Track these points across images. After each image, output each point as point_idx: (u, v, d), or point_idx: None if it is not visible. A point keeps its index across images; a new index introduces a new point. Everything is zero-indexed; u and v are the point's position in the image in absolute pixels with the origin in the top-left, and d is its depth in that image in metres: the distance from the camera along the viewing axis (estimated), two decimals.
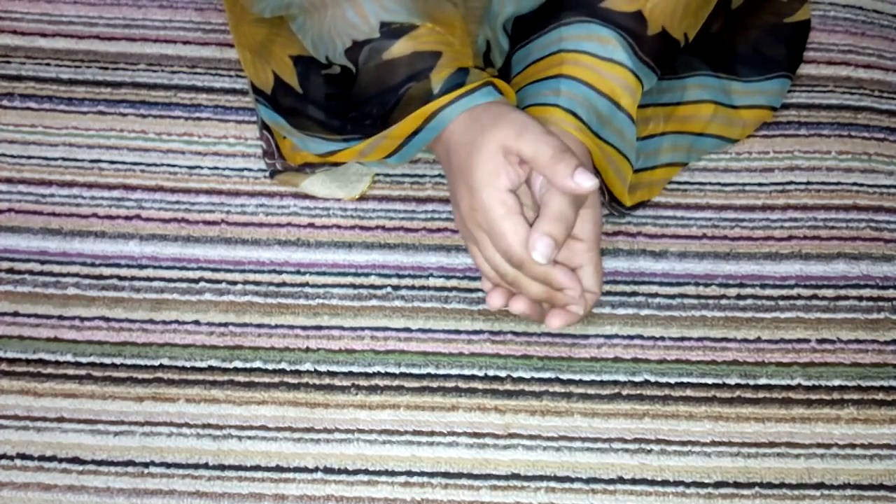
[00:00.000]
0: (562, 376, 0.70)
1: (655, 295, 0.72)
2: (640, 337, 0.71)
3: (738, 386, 0.69)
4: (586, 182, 0.59)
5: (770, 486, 0.67)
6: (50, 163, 0.76)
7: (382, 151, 0.65)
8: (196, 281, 0.72)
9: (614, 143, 0.66)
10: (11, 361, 0.70)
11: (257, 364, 0.70)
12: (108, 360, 0.70)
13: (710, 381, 0.70)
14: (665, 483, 0.67)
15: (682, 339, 0.71)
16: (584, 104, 0.64)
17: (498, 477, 0.67)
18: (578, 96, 0.64)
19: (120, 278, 0.72)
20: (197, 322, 0.71)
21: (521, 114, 0.61)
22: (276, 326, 0.71)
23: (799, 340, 0.71)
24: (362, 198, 0.75)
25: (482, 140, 0.60)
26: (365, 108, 0.66)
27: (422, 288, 0.72)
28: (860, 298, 0.72)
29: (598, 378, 0.70)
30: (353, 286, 0.72)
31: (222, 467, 0.67)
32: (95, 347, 0.70)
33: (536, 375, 0.69)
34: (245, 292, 0.72)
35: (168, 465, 0.67)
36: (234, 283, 0.72)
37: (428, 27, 0.64)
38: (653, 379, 0.70)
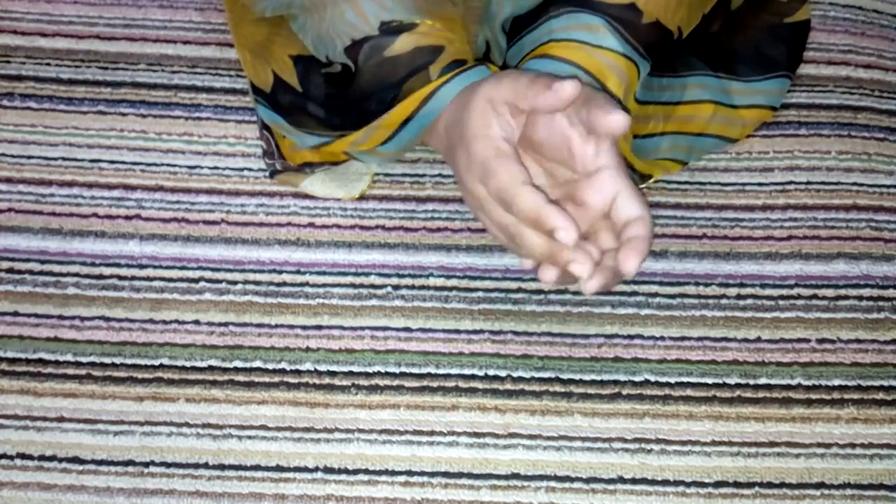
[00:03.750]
0: (562, 376, 0.70)
1: (655, 295, 0.72)
2: (640, 337, 0.71)
3: (738, 386, 0.69)
4: (566, 84, 0.55)
5: (770, 486, 0.67)
6: (50, 163, 0.76)
7: (376, 140, 0.65)
8: (196, 281, 0.72)
9: None
10: (11, 361, 0.70)
11: (257, 364, 0.70)
12: (108, 360, 0.70)
13: (710, 380, 0.70)
14: (665, 483, 0.67)
15: (682, 338, 0.71)
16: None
17: (498, 477, 0.67)
18: (565, 71, 0.64)
19: (120, 278, 0.72)
20: (197, 322, 0.71)
21: (503, 70, 0.60)
22: (276, 326, 0.71)
23: (799, 340, 0.71)
24: (362, 197, 0.75)
25: (469, 100, 0.59)
26: (365, 105, 0.66)
27: (422, 287, 0.72)
28: (860, 298, 0.72)
29: (598, 378, 0.70)
30: (353, 286, 0.72)
31: (222, 467, 0.67)
32: (95, 347, 0.70)
33: (536, 375, 0.70)
34: (245, 292, 0.72)
35: (168, 465, 0.67)
36: (234, 282, 0.72)
37: (428, 24, 0.64)
38: (653, 379, 0.70)
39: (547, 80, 0.57)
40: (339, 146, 0.67)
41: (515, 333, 0.71)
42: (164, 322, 0.71)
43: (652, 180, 0.75)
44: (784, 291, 0.72)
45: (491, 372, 0.70)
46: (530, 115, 0.59)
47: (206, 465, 0.67)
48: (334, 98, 0.69)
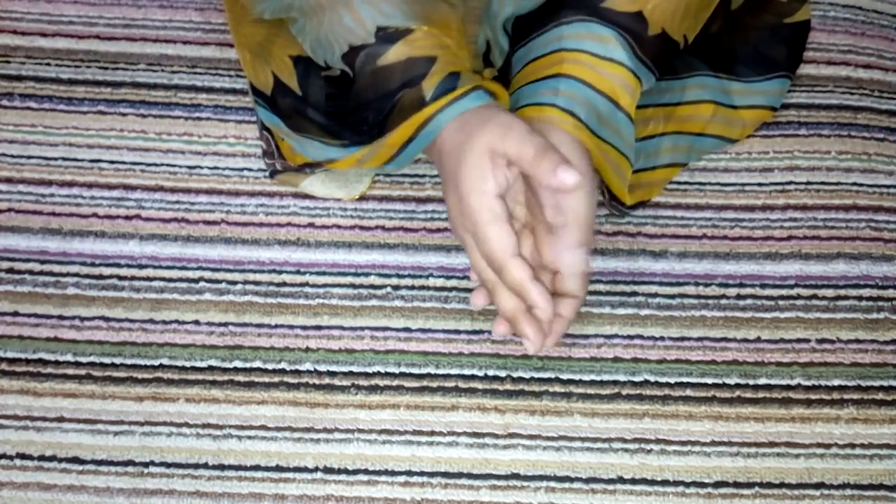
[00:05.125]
0: (562, 376, 0.70)
1: (655, 295, 0.72)
2: (640, 337, 0.71)
3: (738, 386, 0.69)
4: (569, 178, 0.58)
5: (770, 486, 0.67)
6: (50, 163, 0.76)
7: (380, 159, 0.65)
8: (196, 281, 0.72)
9: (613, 142, 0.66)
10: (11, 361, 0.70)
11: (257, 364, 0.70)
12: (108, 360, 0.70)
13: (709, 381, 0.70)
14: (665, 483, 0.67)
15: (682, 338, 0.71)
16: (584, 104, 0.64)
17: (498, 477, 0.67)
18: (577, 96, 0.64)
19: (120, 278, 0.72)
20: (197, 322, 0.71)
21: (508, 115, 0.61)
22: (276, 326, 0.71)
23: (799, 340, 0.71)
24: (362, 198, 0.75)
25: (469, 145, 0.60)
26: (361, 113, 0.66)
27: (422, 288, 0.72)
28: (860, 298, 0.72)
29: (597, 378, 0.70)
30: (353, 286, 0.72)
31: (222, 467, 0.67)
32: (95, 347, 0.70)
33: (536, 375, 0.70)
34: (245, 292, 0.72)
35: (168, 465, 0.67)
36: (234, 283, 0.72)
37: (424, 30, 0.64)
38: (653, 379, 0.70)
39: (554, 161, 0.58)
40: (343, 164, 0.67)
41: (515, 333, 0.71)
42: (164, 322, 0.71)
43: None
44: (784, 291, 0.72)
45: (491, 372, 0.70)
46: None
47: (206, 465, 0.67)
48: (334, 99, 0.69)
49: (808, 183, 0.76)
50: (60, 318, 0.71)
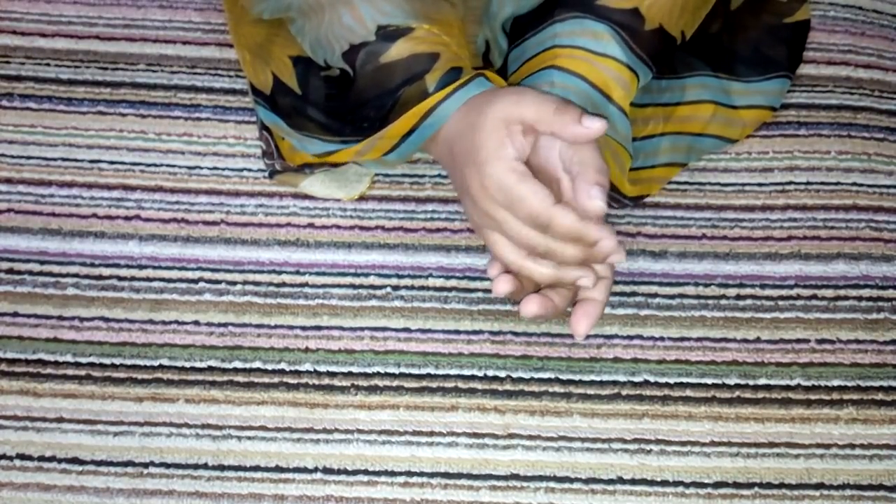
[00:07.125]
0: (561, 376, 0.70)
1: (655, 295, 0.72)
2: (640, 337, 0.71)
3: (737, 386, 0.69)
4: (596, 123, 0.58)
5: (770, 486, 0.67)
6: (50, 163, 0.76)
7: (379, 150, 0.65)
8: (196, 281, 0.72)
9: (609, 133, 0.66)
10: (11, 361, 0.70)
11: (257, 364, 0.70)
12: (107, 361, 0.70)
13: (709, 381, 0.70)
14: (665, 483, 0.67)
15: (682, 339, 0.71)
16: (578, 94, 0.64)
17: (497, 477, 0.67)
18: (571, 87, 0.64)
19: (119, 278, 0.72)
20: (196, 322, 0.71)
21: (515, 87, 0.60)
22: (276, 326, 0.71)
23: (798, 340, 0.71)
24: (362, 198, 0.75)
25: (482, 119, 0.59)
26: (362, 111, 0.66)
27: (421, 288, 0.72)
28: (860, 298, 0.72)
29: (597, 378, 0.70)
30: (353, 286, 0.72)
31: (222, 467, 0.67)
32: (95, 347, 0.70)
33: (536, 375, 0.70)
34: (244, 292, 0.72)
35: (168, 465, 0.67)
36: (234, 283, 0.72)
37: (424, 28, 0.64)
38: (652, 379, 0.70)
39: (576, 111, 0.58)
40: (343, 156, 0.67)
41: (515, 334, 0.71)
42: (164, 323, 0.71)
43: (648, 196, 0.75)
44: (784, 292, 0.72)
45: (490, 372, 0.70)
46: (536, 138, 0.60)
47: (205, 466, 0.67)
48: (334, 99, 0.69)
49: (808, 183, 0.76)
50: (60, 318, 0.71)
